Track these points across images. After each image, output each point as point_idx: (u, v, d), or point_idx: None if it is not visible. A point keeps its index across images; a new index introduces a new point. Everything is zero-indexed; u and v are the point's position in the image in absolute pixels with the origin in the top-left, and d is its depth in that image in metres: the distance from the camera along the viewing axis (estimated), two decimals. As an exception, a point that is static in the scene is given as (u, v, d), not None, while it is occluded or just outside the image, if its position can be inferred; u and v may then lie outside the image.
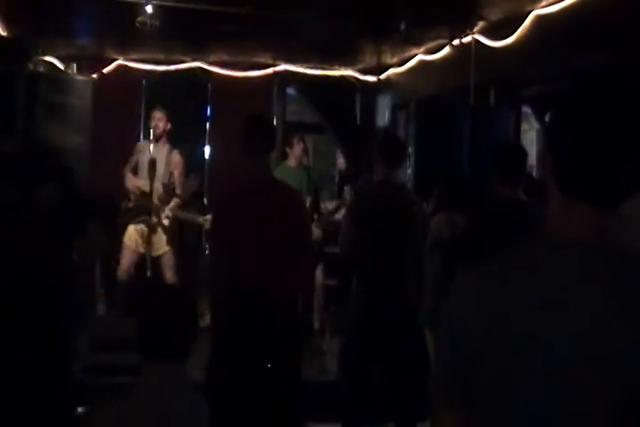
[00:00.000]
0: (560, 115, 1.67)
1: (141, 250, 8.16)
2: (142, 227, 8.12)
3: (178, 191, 8.30)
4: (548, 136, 1.69)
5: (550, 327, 1.56)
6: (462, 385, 1.66)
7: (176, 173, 8.32)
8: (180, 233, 8.65)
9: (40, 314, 3.95)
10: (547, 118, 1.71)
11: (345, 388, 5.77)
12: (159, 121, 8.22)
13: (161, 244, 8.17)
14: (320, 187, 8.97)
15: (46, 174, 4.10)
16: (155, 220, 8.12)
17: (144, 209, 8.10)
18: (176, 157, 8.32)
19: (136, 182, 8.16)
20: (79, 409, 4.93)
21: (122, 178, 8.21)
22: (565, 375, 1.55)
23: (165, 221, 8.18)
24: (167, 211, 8.17)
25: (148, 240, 8.07)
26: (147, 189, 8.04)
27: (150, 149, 8.08)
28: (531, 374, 1.57)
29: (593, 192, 1.61)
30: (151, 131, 8.20)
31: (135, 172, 8.26)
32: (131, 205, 8.21)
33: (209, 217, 8.32)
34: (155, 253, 8.17)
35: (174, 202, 8.24)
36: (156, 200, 8.12)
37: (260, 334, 4.74)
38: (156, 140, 8.17)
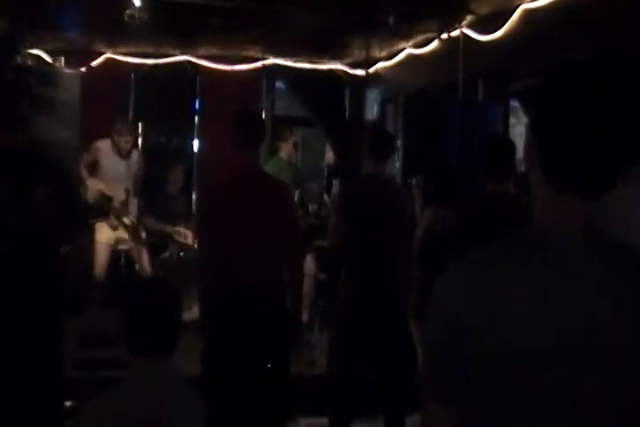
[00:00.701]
0: (545, 106, 1.67)
1: (117, 245, 8.23)
2: (112, 222, 8.15)
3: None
4: (534, 128, 1.69)
5: (545, 320, 1.56)
6: (454, 381, 1.65)
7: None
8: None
9: (27, 312, 3.93)
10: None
11: (333, 382, 5.77)
12: (127, 142, 8.21)
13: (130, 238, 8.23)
14: (305, 182, 9.08)
15: (42, 176, 4.04)
16: (115, 222, 8.16)
17: (102, 210, 8.12)
18: (138, 157, 8.34)
19: (98, 185, 8.12)
20: (67, 403, 4.92)
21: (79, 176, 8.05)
22: (565, 370, 1.55)
23: (126, 220, 8.20)
24: (133, 218, 8.21)
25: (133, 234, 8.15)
26: (110, 193, 8.09)
27: (131, 163, 8.08)
28: (528, 370, 1.56)
29: (580, 182, 1.61)
30: (120, 146, 8.17)
31: (92, 171, 8.22)
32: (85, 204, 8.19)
33: (179, 228, 8.49)
34: (127, 247, 8.28)
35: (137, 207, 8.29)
36: (117, 204, 8.15)
37: (249, 328, 4.74)
38: (126, 155, 8.18)
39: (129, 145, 8.14)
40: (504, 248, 1.68)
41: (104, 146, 8.23)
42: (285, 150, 8.83)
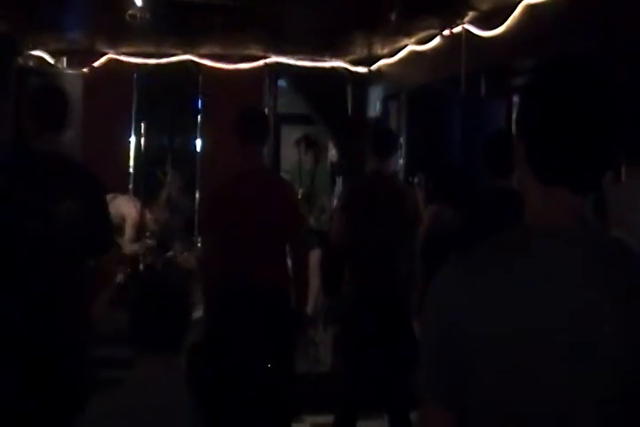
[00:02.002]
0: (527, 102, 1.67)
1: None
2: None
3: None
4: (518, 124, 1.68)
5: (546, 318, 1.54)
6: (452, 382, 1.63)
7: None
8: None
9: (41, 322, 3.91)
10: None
11: (339, 379, 5.78)
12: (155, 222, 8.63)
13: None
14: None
15: (75, 185, 3.99)
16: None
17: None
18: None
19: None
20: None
21: None
22: (569, 366, 1.53)
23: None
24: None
25: None
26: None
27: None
28: (532, 369, 1.54)
29: (569, 176, 1.60)
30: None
31: None
32: None
33: (184, 254, 8.67)
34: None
35: None
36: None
37: (253, 325, 4.75)
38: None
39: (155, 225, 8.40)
40: (502, 246, 1.66)
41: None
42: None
